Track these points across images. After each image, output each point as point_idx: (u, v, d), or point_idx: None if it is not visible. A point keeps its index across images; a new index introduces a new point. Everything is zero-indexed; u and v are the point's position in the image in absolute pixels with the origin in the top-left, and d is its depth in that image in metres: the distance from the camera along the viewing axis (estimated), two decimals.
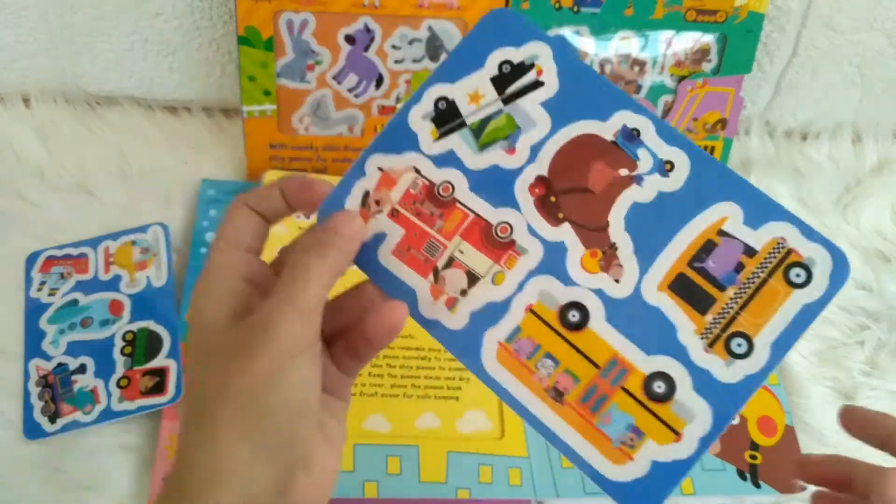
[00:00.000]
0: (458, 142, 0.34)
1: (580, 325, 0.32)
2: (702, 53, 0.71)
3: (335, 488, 0.33)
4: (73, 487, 0.54)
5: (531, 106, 0.34)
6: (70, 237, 0.65)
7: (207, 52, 0.71)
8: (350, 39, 0.67)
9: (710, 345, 0.31)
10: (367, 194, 0.34)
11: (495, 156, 0.34)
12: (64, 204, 0.67)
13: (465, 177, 0.34)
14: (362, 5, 0.65)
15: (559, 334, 0.32)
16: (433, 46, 0.68)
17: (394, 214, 0.34)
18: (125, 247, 0.64)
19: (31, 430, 0.55)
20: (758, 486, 0.59)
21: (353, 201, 0.34)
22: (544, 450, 0.59)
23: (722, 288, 0.31)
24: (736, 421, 0.62)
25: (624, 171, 0.33)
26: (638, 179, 0.32)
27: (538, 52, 0.35)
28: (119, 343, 0.59)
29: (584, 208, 0.33)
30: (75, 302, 0.61)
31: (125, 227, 0.66)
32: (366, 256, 0.34)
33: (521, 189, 0.33)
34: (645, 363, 0.31)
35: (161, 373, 0.58)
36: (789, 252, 0.31)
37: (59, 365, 0.58)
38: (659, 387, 0.31)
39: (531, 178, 0.33)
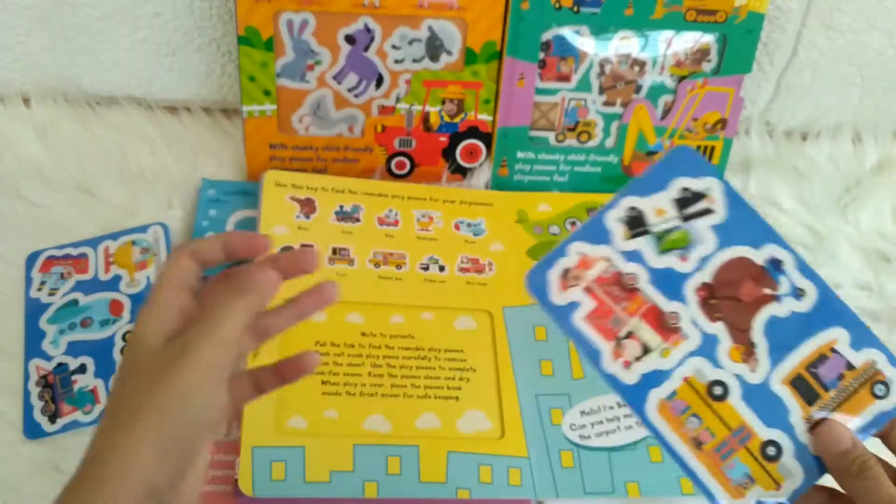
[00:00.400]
0: (643, 244, 0.44)
1: (721, 398, 0.43)
2: (702, 53, 0.71)
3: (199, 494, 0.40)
4: None
5: (703, 227, 0.44)
6: (70, 237, 0.65)
7: (207, 52, 0.71)
8: (350, 39, 0.67)
9: (811, 429, 0.42)
10: (566, 272, 0.44)
11: (672, 260, 0.44)
12: (64, 204, 0.67)
13: (648, 272, 0.44)
14: (362, 5, 0.65)
15: (705, 402, 0.43)
16: (433, 46, 0.68)
17: (588, 290, 0.44)
18: (125, 247, 0.64)
19: (31, 430, 0.55)
20: None
21: (554, 275, 0.43)
22: (544, 450, 0.59)
23: (826, 389, 0.43)
24: None
25: (768, 291, 0.44)
26: (777, 298, 0.44)
27: (711, 186, 0.44)
28: (119, 343, 0.59)
29: (736, 313, 0.43)
30: (75, 302, 0.61)
31: (125, 227, 0.66)
32: (562, 317, 0.43)
33: (690, 289, 0.44)
34: (764, 432, 0.43)
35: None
36: (877, 372, 0.43)
37: (60, 365, 0.58)
38: (771, 450, 0.43)
39: (698, 282, 0.44)
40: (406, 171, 0.73)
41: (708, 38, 0.70)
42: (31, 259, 0.63)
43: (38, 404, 0.56)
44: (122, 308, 0.61)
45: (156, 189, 0.69)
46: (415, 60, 0.69)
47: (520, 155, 0.73)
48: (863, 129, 0.80)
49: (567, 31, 0.69)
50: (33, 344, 0.59)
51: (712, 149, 0.74)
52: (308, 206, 0.66)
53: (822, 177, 0.77)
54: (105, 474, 0.34)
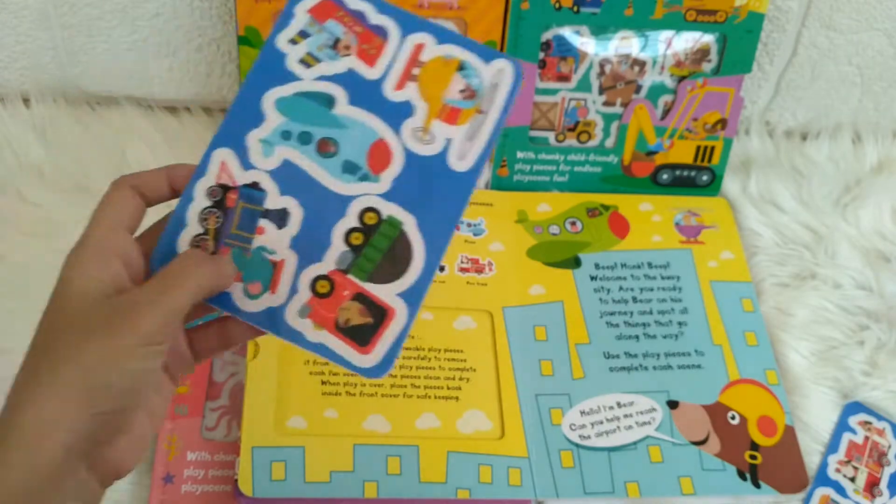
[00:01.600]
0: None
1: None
2: (702, 53, 0.71)
3: (146, 452, 0.40)
4: None
5: None
6: (70, 237, 0.64)
7: (207, 52, 0.71)
8: None
9: None
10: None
11: None
12: (63, 204, 0.67)
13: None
14: None
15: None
16: None
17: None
18: (446, 63, 0.43)
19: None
20: (758, 486, 0.59)
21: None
22: (544, 450, 0.59)
23: None
24: (736, 421, 0.62)
25: None
26: None
27: None
28: (349, 221, 0.41)
29: None
30: (330, 101, 0.42)
31: None
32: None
33: None
34: None
35: (381, 312, 0.40)
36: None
37: (252, 187, 0.41)
38: None
39: None
40: None
41: (708, 38, 0.70)
42: None
43: (191, 231, 0.40)
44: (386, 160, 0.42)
45: None
46: None
47: (520, 155, 0.73)
48: (863, 128, 0.80)
49: (567, 32, 0.69)
50: (238, 123, 0.42)
51: (712, 149, 0.74)
52: None
53: (821, 177, 0.77)
54: (22, 430, 0.32)
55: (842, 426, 0.63)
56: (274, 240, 0.41)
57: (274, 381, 0.57)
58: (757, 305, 0.68)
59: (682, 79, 0.72)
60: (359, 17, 0.43)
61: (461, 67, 0.43)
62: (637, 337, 0.66)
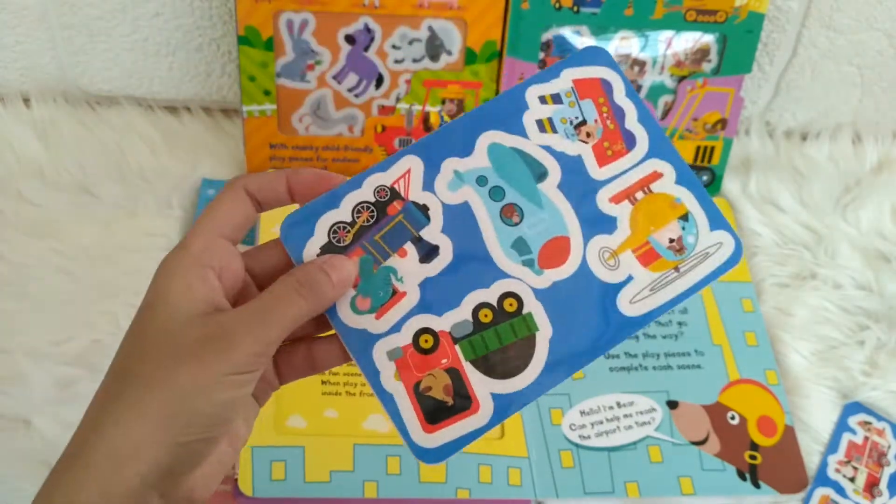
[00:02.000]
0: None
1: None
2: (702, 53, 0.71)
3: (221, 479, 0.37)
4: None
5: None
6: (69, 237, 0.65)
7: (207, 51, 0.71)
8: (350, 39, 0.67)
9: None
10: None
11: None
12: (63, 204, 0.67)
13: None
14: (362, 5, 0.65)
15: None
16: (433, 46, 0.68)
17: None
18: (672, 206, 0.40)
19: (295, 239, 0.38)
20: (757, 486, 0.59)
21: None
22: (544, 450, 0.59)
23: None
24: (736, 421, 0.62)
25: None
26: None
27: None
28: (488, 295, 0.39)
29: None
30: (542, 174, 0.39)
31: (126, 227, 0.66)
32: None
33: None
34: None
35: (466, 401, 0.38)
36: None
37: (420, 209, 0.39)
38: None
39: None
40: None
41: (708, 39, 0.70)
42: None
43: (317, 242, 0.38)
44: (561, 260, 0.39)
45: (156, 189, 0.69)
46: (415, 60, 0.69)
47: None
48: (863, 129, 0.80)
49: (567, 32, 0.69)
50: (433, 151, 0.39)
51: (712, 149, 0.74)
52: None
53: (821, 177, 0.77)
54: (100, 453, 0.31)
55: (841, 426, 0.63)
56: (409, 269, 0.38)
57: None
58: (757, 305, 0.68)
59: (682, 79, 0.72)
60: (618, 114, 0.40)
61: (684, 218, 0.39)
62: (637, 337, 0.66)
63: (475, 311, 0.38)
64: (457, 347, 0.37)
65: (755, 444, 0.61)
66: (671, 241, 0.39)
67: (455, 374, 0.37)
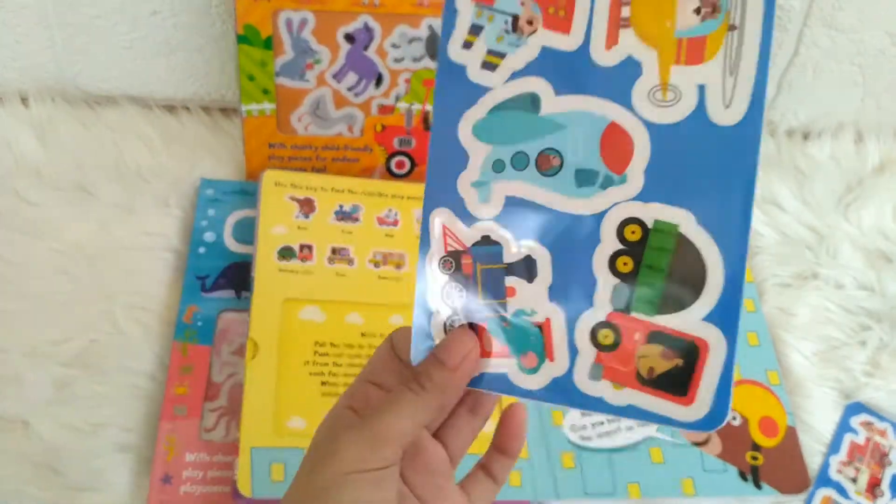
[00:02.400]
0: None
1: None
2: None
3: None
4: (70, 488, 0.54)
5: None
6: (68, 237, 0.65)
7: (206, 50, 0.71)
8: (349, 38, 0.67)
9: None
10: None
11: None
12: (62, 203, 0.66)
13: None
14: (362, 4, 0.65)
15: None
16: (433, 45, 0.68)
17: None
18: None
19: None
20: (759, 486, 0.59)
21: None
22: (545, 451, 0.58)
23: None
24: (737, 422, 0.62)
25: None
26: None
27: None
28: (608, 245, 0.33)
29: None
30: (533, 102, 0.33)
31: (124, 227, 0.66)
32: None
33: None
34: None
35: (690, 348, 0.32)
36: None
37: (484, 243, 0.34)
38: None
39: None
40: (406, 170, 0.73)
41: None
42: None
43: (441, 315, 0.34)
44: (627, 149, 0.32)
45: (154, 188, 0.68)
46: (414, 59, 0.68)
47: None
48: (865, 128, 0.80)
49: None
50: (440, 188, 0.35)
51: None
52: (307, 206, 0.66)
53: (823, 176, 0.77)
54: None
55: (843, 427, 0.63)
56: (529, 297, 0.33)
57: (273, 382, 0.57)
58: (759, 305, 0.68)
59: None
60: None
61: None
62: None
63: (613, 269, 0.32)
64: (634, 314, 0.32)
65: (757, 445, 0.61)
66: (697, 11, 0.31)
67: (658, 336, 0.32)
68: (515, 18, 0.33)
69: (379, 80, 0.69)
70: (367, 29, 0.67)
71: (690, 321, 0.31)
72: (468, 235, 0.34)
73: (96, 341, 0.60)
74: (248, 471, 0.53)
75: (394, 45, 0.67)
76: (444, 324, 0.34)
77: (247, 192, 0.69)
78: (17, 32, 0.69)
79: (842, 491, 0.60)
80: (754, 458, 0.61)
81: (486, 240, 0.34)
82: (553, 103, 0.33)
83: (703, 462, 0.60)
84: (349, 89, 0.69)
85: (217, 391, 0.59)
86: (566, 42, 0.32)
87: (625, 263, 0.32)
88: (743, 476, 0.60)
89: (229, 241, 0.66)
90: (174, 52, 0.71)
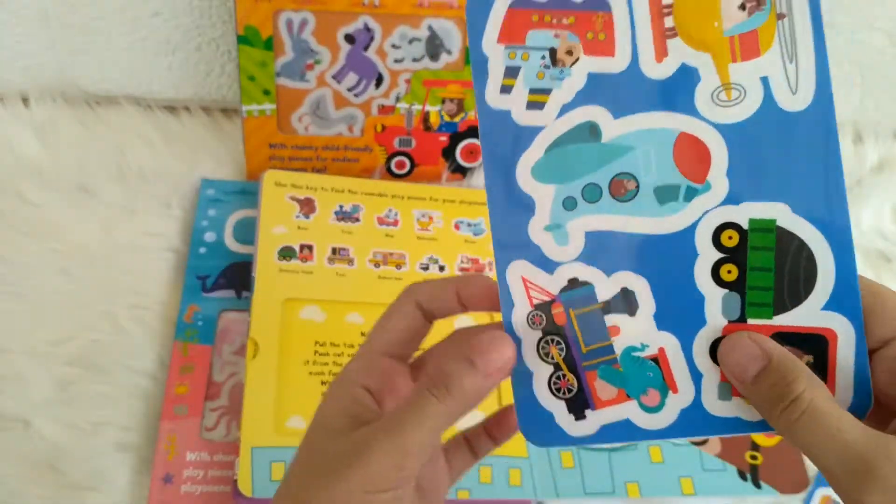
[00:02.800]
0: None
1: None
2: None
3: None
4: (71, 487, 0.54)
5: None
6: (69, 237, 0.65)
7: (207, 51, 0.71)
8: (350, 38, 0.67)
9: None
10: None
11: None
12: (62, 204, 0.67)
13: None
14: (362, 4, 0.65)
15: None
16: (433, 45, 0.68)
17: None
18: None
19: (543, 434, 0.33)
20: (758, 486, 0.59)
21: None
22: (544, 450, 0.58)
23: None
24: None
25: None
26: None
27: None
28: (707, 257, 0.32)
29: None
30: (592, 131, 0.32)
31: (125, 227, 0.66)
32: None
33: None
34: None
35: (817, 342, 0.31)
36: None
37: (572, 286, 0.32)
38: None
39: None
40: (406, 170, 0.73)
41: None
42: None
43: (541, 375, 0.32)
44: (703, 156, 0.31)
45: (155, 189, 0.69)
46: (415, 60, 0.68)
47: None
48: (863, 128, 0.80)
49: None
50: (511, 240, 0.33)
51: None
52: (308, 206, 0.66)
53: None
54: None
55: None
56: (636, 332, 0.32)
57: (273, 381, 0.57)
58: None
59: None
60: (559, 4, 0.32)
61: None
62: None
63: (717, 280, 0.31)
64: (752, 321, 0.31)
65: (756, 445, 0.61)
66: (741, 7, 0.31)
67: (781, 338, 0.31)
68: (553, 52, 0.32)
69: (379, 81, 0.69)
70: (368, 29, 0.67)
71: (811, 314, 0.31)
72: (553, 283, 0.32)
73: (97, 341, 0.60)
74: (249, 470, 0.53)
75: (394, 46, 0.68)
76: (550, 385, 0.32)
77: (247, 193, 0.69)
78: (17, 32, 0.69)
79: None
80: (753, 458, 0.61)
81: (573, 283, 0.32)
82: (614, 127, 0.32)
83: (702, 461, 0.60)
84: (349, 90, 0.69)
85: (218, 391, 0.59)
86: (613, 64, 0.32)
87: (729, 271, 0.31)
88: (742, 475, 0.60)
89: (230, 241, 0.66)
90: (175, 53, 0.71)
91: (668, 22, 0.31)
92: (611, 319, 0.32)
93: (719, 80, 0.31)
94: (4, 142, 0.70)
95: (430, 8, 0.66)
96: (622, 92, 0.32)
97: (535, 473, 0.57)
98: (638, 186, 0.32)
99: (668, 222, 0.32)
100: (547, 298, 0.32)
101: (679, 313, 0.31)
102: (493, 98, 0.32)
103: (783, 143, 0.31)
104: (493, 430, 0.39)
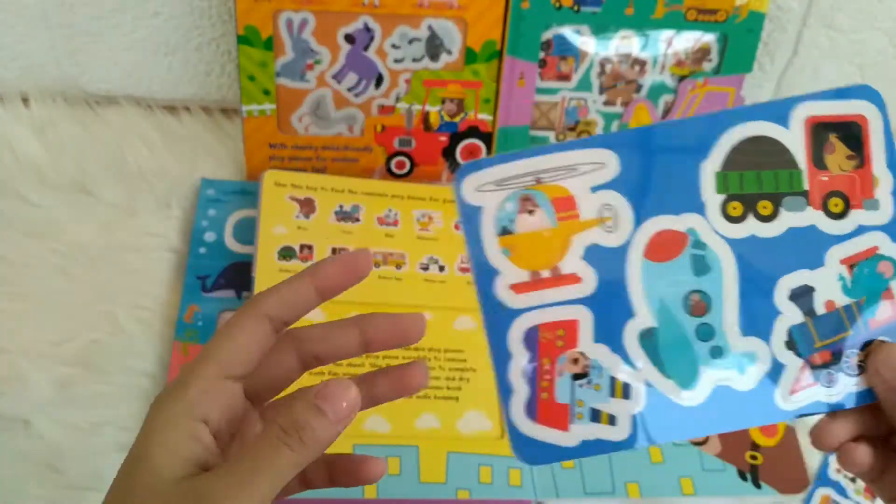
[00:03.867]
0: None
1: None
2: (702, 53, 0.71)
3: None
4: (71, 487, 0.54)
5: None
6: (69, 237, 0.65)
7: (207, 51, 0.71)
8: (350, 38, 0.67)
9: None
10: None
11: None
12: (62, 204, 0.67)
13: None
14: (362, 4, 0.65)
15: None
16: (433, 46, 0.68)
17: None
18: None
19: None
20: (758, 486, 0.59)
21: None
22: None
23: None
24: None
25: None
26: None
27: None
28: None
29: None
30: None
31: (125, 227, 0.66)
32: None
33: None
34: None
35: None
36: None
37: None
38: None
39: None
40: (406, 170, 0.73)
41: (708, 38, 0.70)
42: None
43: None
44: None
45: (155, 189, 0.69)
46: (415, 60, 0.68)
47: None
48: None
49: (567, 31, 0.69)
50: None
51: None
52: (308, 206, 0.66)
53: None
54: None
55: None
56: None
57: None
58: None
59: (682, 78, 0.71)
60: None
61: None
62: None
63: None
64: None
65: (756, 445, 0.61)
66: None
67: (821, 125, 0.35)
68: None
69: (379, 81, 0.69)
70: (368, 29, 0.67)
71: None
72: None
73: (97, 341, 0.60)
74: None
75: (394, 46, 0.68)
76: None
77: (247, 193, 0.69)
78: (17, 32, 0.69)
79: (841, 490, 0.60)
80: (753, 458, 0.61)
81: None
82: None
83: (702, 461, 0.60)
84: (349, 90, 0.69)
85: None
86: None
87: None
88: (742, 475, 0.60)
89: (230, 241, 0.66)
90: (175, 53, 0.71)
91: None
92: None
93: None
94: (4, 142, 0.70)
95: (430, 8, 0.66)
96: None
97: (535, 473, 0.57)
98: (708, 309, 0.36)
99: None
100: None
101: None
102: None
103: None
104: (398, 384, 0.38)
